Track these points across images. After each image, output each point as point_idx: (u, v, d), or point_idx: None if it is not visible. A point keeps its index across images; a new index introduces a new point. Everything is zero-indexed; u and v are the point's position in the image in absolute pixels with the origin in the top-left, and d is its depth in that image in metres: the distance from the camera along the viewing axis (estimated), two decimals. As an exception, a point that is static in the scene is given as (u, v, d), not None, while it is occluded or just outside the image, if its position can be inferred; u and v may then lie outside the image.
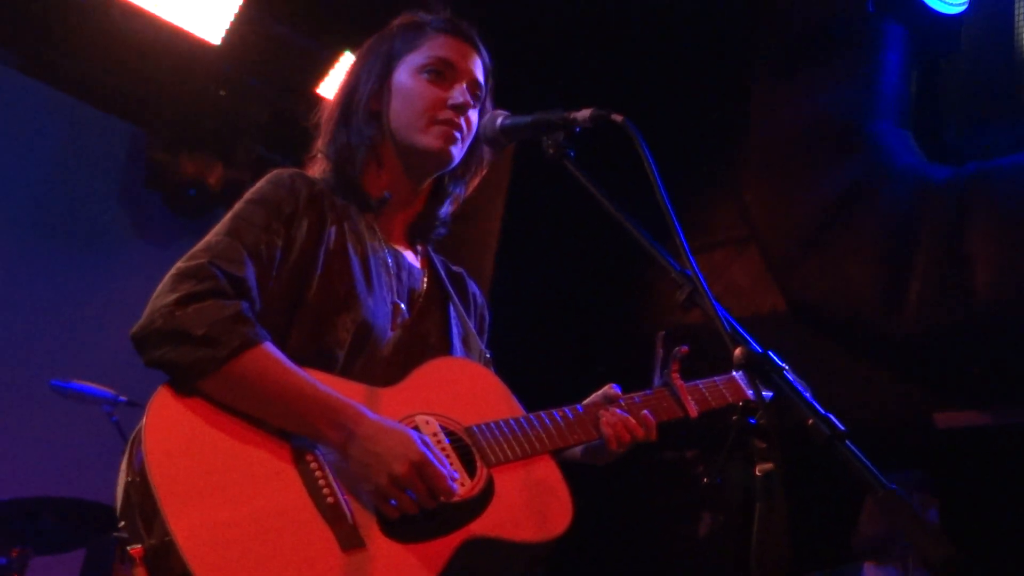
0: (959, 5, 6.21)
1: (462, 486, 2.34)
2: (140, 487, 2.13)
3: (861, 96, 6.04)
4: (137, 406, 5.05)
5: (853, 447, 1.70)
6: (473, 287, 2.97)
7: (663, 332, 2.79)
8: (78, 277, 6.65)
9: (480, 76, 2.79)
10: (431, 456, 2.29)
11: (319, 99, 6.46)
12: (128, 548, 2.16)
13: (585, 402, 2.73)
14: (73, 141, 6.73)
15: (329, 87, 6.52)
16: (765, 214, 6.19)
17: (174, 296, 2.27)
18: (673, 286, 2.10)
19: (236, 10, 6.12)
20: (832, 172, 5.96)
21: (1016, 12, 6.30)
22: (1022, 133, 5.85)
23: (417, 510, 2.26)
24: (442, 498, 2.28)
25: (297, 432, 2.28)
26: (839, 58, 6.16)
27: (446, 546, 2.26)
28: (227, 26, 6.15)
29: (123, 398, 5.13)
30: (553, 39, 6.75)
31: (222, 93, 6.54)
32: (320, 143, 2.78)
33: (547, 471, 2.50)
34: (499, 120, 2.60)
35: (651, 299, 7.25)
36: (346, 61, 6.46)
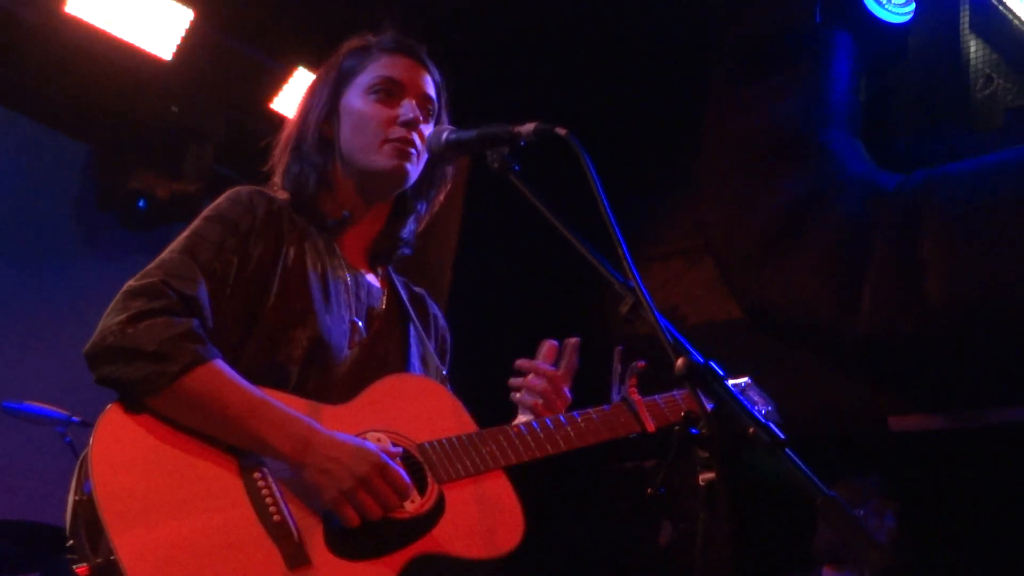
0: (905, 14, 6.30)
1: (412, 503, 2.33)
2: (87, 505, 2.13)
3: (812, 105, 6.11)
4: (91, 426, 5.01)
5: (793, 455, 1.72)
6: (434, 309, 2.96)
7: (620, 347, 2.78)
8: (30, 295, 6.58)
9: (431, 91, 2.78)
10: (389, 460, 2.30)
11: (272, 114, 6.49)
12: (75, 567, 2.15)
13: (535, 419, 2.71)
14: (24, 159, 6.68)
15: (283, 103, 6.51)
16: (720, 224, 6.25)
17: (126, 314, 2.27)
18: (617, 299, 2.11)
19: (187, 25, 6.11)
20: (785, 181, 6.02)
21: (960, 20, 6.40)
22: (970, 140, 5.94)
23: (381, 513, 2.26)
24: (403, 501, 2.29)
25: (248, 448, 2.28)
26: (790, 68, 6.24)
27: (395, 563, 2.26)
28: (178, 41, 6.13)
29: (76, 418, 5.09)
30: (505, 51, 6.77)
31: (174, 109, 6.51)
32: (276, 174, 2.77)
33: (499, 487, 2.50)
34: (444, 135, 2.59)
35: (607, 311, 7.28)
36: (300, 77, 6.46)
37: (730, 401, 1.81)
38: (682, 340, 1.93)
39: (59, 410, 5.13)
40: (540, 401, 2.69)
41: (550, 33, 6.77)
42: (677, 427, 1.83)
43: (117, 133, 6.60)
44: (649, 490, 1.92)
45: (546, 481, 2.78)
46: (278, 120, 6.46)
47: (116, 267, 6.73)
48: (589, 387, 2.99)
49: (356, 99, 2.73)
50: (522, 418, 2.79)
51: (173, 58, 6.14)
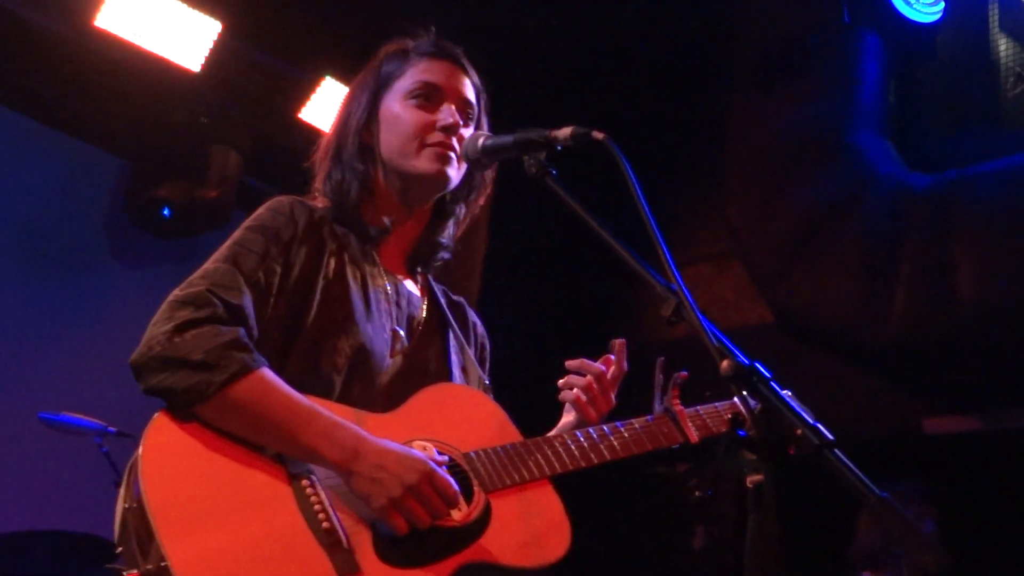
0: (934, 14, 6.28)
1: (459, 512, 2.35)
2: (137, 513, 2.15)
3: (840, 107, 6.11)
4: (127, 437, 5.06)
5: (842, 456, 1.72)
6: (474, 317, 2.98)
7: (662, 358, 2.79)
8: (65, 307, 6.64)
9: (470, 95, 2.80)
10: (438, 467, 2.32)
11: (300, 125, 6.53)
12: (125, 573, 2.17)
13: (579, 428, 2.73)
14: (56, 173, 6.73)
15: (310, 113, 6.55)
16: (749, 227, 6.24)
17: (172, 324, 2.29)
18: (659, 301, 2.12)
19: (215, 37, 6.14)
20: (814, 184, 6.02)
21: (990, 18, 6.38)
22: (1001, 139, 5.91)
23: (430, 521, 2.28)
24: (451, 509, 2.31)
25: (296, 456, 2.30)
26: (816, 70, 6.23)
27: (443, 571, 2.26)
28: (206, 53, 6.17)
29: (113, 429, 5.12)
30: (530, 55, 6.78)
31: (203, 120, 6.55)
32: (316, 182, 2.79)
33: (545, 496, 2.51)
34: (480, 140, 2.60)
35: (638, 316, 7.28)
36: (327, 87, 6.49)
37: (777, 402, 1.81)
38: (726, 342, 1.94)
39: (95, 420, 5.17)
40: (584, 397, 2.70)
41: (574, 38, 6.78)
42: (724, 429, 1.83)
43: (147, 145, 6.64)
44: (697, 493, 1.92)
45: (579, 485, 2.79)
46: (306, 130, 6.55)
47: (148, 277, 6.81)
48: (622, 390, 3.00)
49: (395, 104, 2.75)
50: (567, 418, 2.82)
51: (201, 70, 6.18)
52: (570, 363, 2.78)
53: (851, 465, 1.72)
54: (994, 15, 6.39)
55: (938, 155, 6.12)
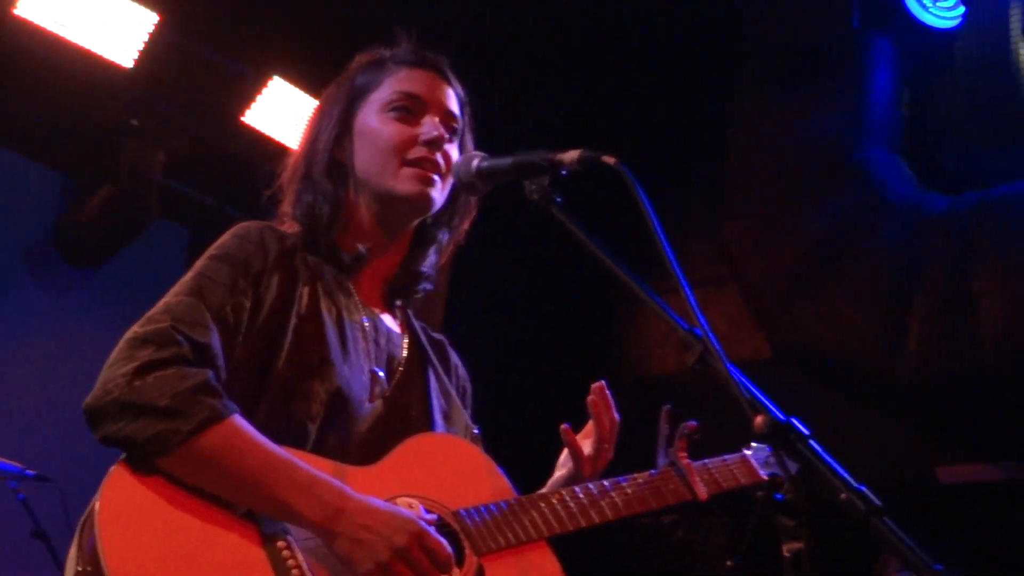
0: (952, 19, 6.37)
1: None
2: None
3: (849, 120, 6.18)
4: (48, 481, 5.02)
5: (892, 524, 1.76)
6: (455, 357, 2.98)
7: (668, 406, 2.83)
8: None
9: (454, 107, 2.81)
10: (429, 527, 2.32)
11: (244, 129, 6.52)
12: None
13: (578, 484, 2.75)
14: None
15: (256, 116, 6.53)
16: (747, 252, 6.30)
17: (132, 364, 2.27)
18: (670, 343, 2.15)
19: (151, 29, 6.11)
20: (820, 205, 6.09)
21: (1011, 24, 6.48)
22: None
23: None
24: (443, 574, 2.31)
25: (269, 514, 2.29)
26: (824, 80, 6.30)
27: None
28: (140, 47, 6.14)
29: (31, 472, 5.07)
30: (521, 69, 6.81)
31: (134, 122, 6.51)
32: (285, 204, 2.78)
33: (542, 559, 2.53)
34: (475, 162, 2.59)
35: (617, 348, 7.32)
36: (275, 87, 6.49)
37: (818, 463, 1.84)
38: (759, 394, 1.97)
39: (11, 463, 5.11)
40: (591, 451, 2.74)
41: (564, 48, 6.82)
42: (760, 492, 1.86)
43: (70, 149, 6.59)
44: (729, 563, 1.95)
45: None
46: (250, 135, 6.55)
47: (65, 301, 6.73)
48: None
49: (372, 117, 2.75)
50: (559, 472, 2.84)
51: (135, 65, 6.14)
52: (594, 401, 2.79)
53: (902, 534, 1.76)
54: (1016, 20, 6.49)
55: (956, 174, 6.20)
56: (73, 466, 5.38)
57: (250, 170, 6.85)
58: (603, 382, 2.85)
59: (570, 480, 2.80)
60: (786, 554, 1.85)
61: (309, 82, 6.48)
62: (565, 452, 2.85)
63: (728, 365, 2.03)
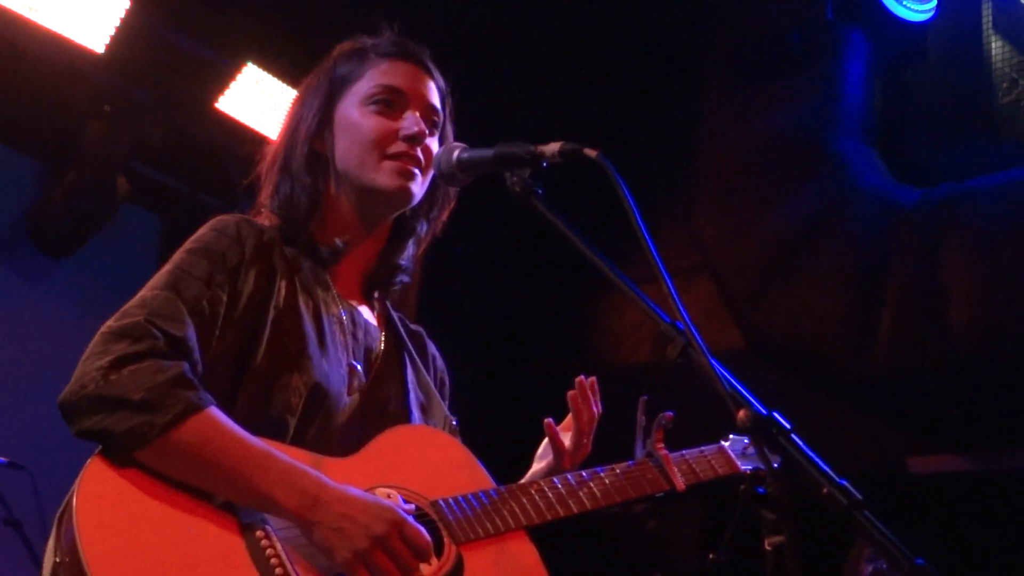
0: (925, 12, 6.40)
1: (428, 567, 2.36)
2: (70, 569, 2.14)
3: (822, 112, 6.21)
4: (18, 469, 5.00)
5: (872, 517, 1.77)
6: (433, 349, 3.00)
7: (645, 396, 2.85)
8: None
9: (435, 101, 2.82)
10: (407, 516, 2.33)
11: (217, 115, 6.49)
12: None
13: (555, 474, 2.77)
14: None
15: (229, 103, 6.50)
16: (719, 242, 6.32)
17: (107, 358, 2.27)
18: (638, 333, 2.16)
19: (122, 14, 6.06)
20: (792, 196, 6.11)
21: (984, 18, 6.52)
22: (998, 150, 6.05)
23: None
24: (421, 563, 2.32)
25: (249, 504, 2.30)
26: (796, 71, 6.33)
27: None
28: (112, 32, 6.09)
29: (3, 459, 5.05)
30: (483, 57, 6.80)
31: (106, 108, 6.47)
32: (263, 195, 2.79)
33: (521, 549, 2.55)
34: (455, 153, 2.60)
35: (589, 336, 7.34)
36: (249, 74, 6.45)
37: (800, 457, 1.86)
38: (741, 388, 1.98)
39: (-20, 450, 5.10)
40: (570, 444, 2.79)
41: (530, 31, 6.82)
42: (743, 485, 1.87)
43: (40, 135, 6.54)
44: (712, 555, 1.96)
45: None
46: (223, 122, 6.52)
47: (37, 288, 6.68)
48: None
49: (352, 110, 2.76)
50: (538, 465, 2.87)
51: (106, 51, 6.09)
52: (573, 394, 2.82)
53: (883, 528, 1.77)
54: (988, 14, 6.53)
55: (928, 166, 6.24)
56: (45, 454, 5.38)
57: (223, 157, 6.89)
58: (594, 378, 2.89)
59: (550, 472, 2.85)
60: (768, 547, 1.86)
61: (283, 69, 6.46)
62: (544, 444, 2.88)
63: (710, 359, 2.04)
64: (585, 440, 2.85)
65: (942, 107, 6.39)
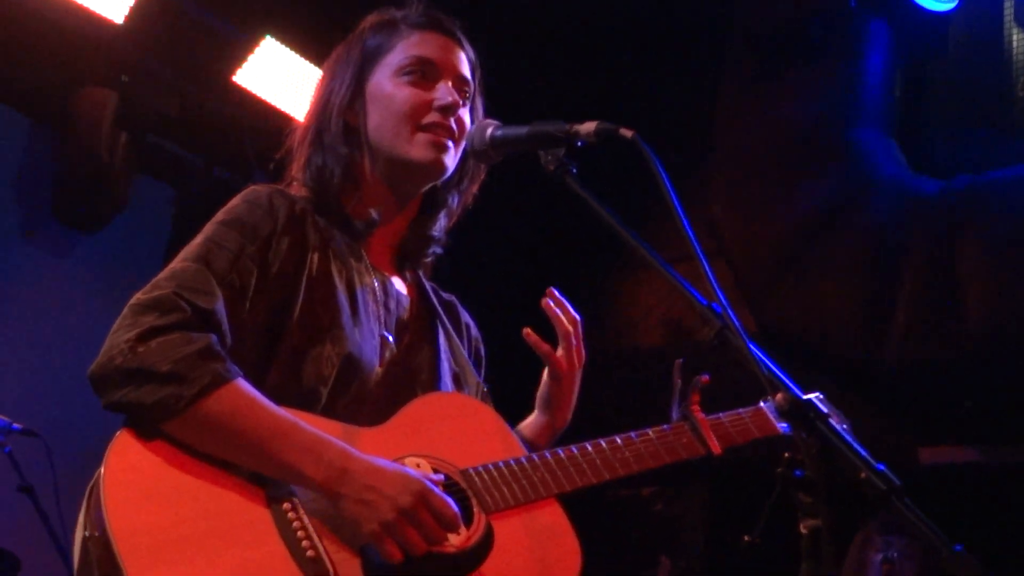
0: (947, 2, 6.38)
1: (457, 536, 2.36)
2: (100, 542, 2.14)
3: (841, 101, 6.19)
4: (34, 436, 5.00)
5: (911, 504, 1.77)
6: (467, 317, 3.01)
7: (681, 359, 2.83)
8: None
9: (467, 72, 2.82)
10: (435, 487, 2.33)
11: (235, 89, 6.47)
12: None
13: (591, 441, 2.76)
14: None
15: (247, 76, 6.48)
16: (735, 228, 6.31)
17: (135, 331, 2.27)
18: (656, 316, 2.15)
19: (142, -15, 6.06)
20: (810, 184, 6.10)
21: (1005, 10, 6.50)
22: (1016, 144, 6.03)
23: (426, 548, 2.29)
24: (449, 533, 2.32)
25: (275, 475, 2.30)
26: (817, 59, 6.30)
27: None
28: (131, 3, 6.08)
29: (17, 426, 5.04)
30: (501, 40, 6.78)
31: (125, 79, 6.45)
32: (294, 168, 2.78)
33: (552, 517, 2.53)
34: (489, 131, 2.60)
35: (604, 321, 7.34)
36: (268, 47, 6.43)
37: (837, 442, 1.85)
38: (779, 372, 1.98)
39: (-3, 416, 5.09)
40: (564, 353, 2.81)
41: (551, 18, 6.79)
42: (780, 468, 1.87)
43: (57, 106, 6.52)
44: (746, 538, 1.96)
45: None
46: (241, 95, 6.50)
47: (57, 262, 6.68)
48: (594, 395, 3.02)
49: (385, 82, 2.75)
50: (540, 417, 2.89)
51: (125, 22, 6.09)
52: (548, 303, 2.84)
53: (921, 514, 1.77)
54: (1009, 6, 6.51)
55: (948, 158, 6.22)
56: (60, 422, 5.40)
57: (240, 131, 6.87)
58: (552, 288, 2.90)
59: (552, 394, 2.86)
60: (804, 531, 1.85)
61: (302, 43, 6.44)
62: (543, 385, 2.86)
63: (748, 341, 2.04)
64: (576, 343, 2.84)
65: (962, 99, 6.37)
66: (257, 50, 6.47)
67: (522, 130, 2.53)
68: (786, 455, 1.88)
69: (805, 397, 1.92)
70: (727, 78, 6.59)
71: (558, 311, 2.83)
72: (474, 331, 3.02)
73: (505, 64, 6.58)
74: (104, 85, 6.40)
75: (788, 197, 6.14)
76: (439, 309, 2.88)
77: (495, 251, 7.20)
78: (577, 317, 2.87)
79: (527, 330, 2.79)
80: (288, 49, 6.48)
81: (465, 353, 2.89)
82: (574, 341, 2.84)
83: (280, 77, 6.52)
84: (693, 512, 6.69)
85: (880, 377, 5.86)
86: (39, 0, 5.96)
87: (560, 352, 2.82)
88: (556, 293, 2.85)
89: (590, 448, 2.68)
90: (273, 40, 6.46)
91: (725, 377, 2.65)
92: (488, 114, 2.85)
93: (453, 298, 3.01)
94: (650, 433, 2.77)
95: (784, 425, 2.88)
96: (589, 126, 2.43)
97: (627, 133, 2.38)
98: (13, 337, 6.00)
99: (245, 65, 6.49)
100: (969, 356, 5.54)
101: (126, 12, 6.08)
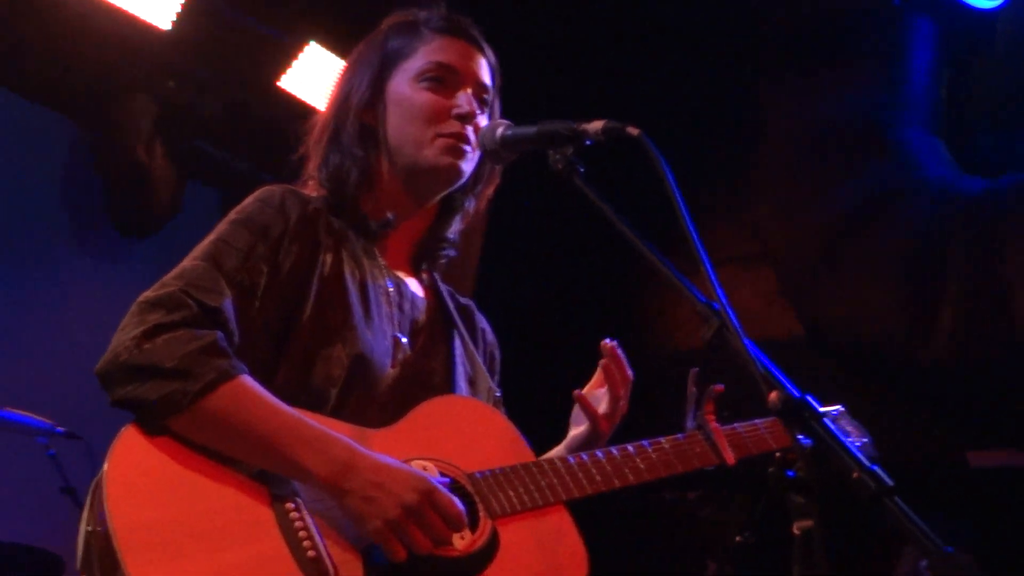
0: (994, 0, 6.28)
1: (462, 539, 2.35)
2: (101, 537, 2.16)
3: (886, 99, 6.12)
4: (77, 439, 5.06)
5: (902, 504, 1.73)
6: (483, 322, 3.00)
7: (696, 368, 2.80)
8: (13, 294, 6.58)
9: (487, 79, 2.82)
10: (441, 486, 2.32)
11: (279, 94, 6.52)
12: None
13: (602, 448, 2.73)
14: (4, 138, 6.67)
15: (291, 81, 6.53)
16: (778, 229, 6.25)
17: (141, 328, 2.30)
18: (696, 319, 2.13)
19: (188, -8, 6.12)
20: (853, 182, 6.03)
21: (1054, 6, 6.39)
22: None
23: (431, 547, 2.28)
24: (454, 534, 2.31)
25: (279, 471, 2.31)
26: (861, 56, 6.23)
27: None
28: (178, 10, 6.15)
29: (61, 429, 5.11)
30: (543, 40, 6.77)
31: (171, 84, 6.53)
32: (311, 166, 2.79)
33: (559, 523, 2.51)
34: (499, 130, 2.60)
35: (645, 323, 7.30)
36: (311, 53, 6.48)
37: (831, 442, 1.82)
38: (775, 370, 1.95)
39: (42, 419, 5.15)
40: (607, 409, 2.75)
41: (589, 16, 6.77)
42: (771, 468, 1.84)
43: (106, 112, 6.61)
44: (738, 538, 1.93)
45: (581, 509, 2.80)
46: (285, 100, 6.55)
47: (108, 266, 6.76)
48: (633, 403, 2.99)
49: (405, 86, 2.76)
50: (575, 430, 2.83)
51: (172, 28, 6.16)
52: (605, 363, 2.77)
53: (912, 515, 1.73)
54: (1059, 3, 6.40)
55: (994, 157, 6.13)
56: (102, 424, 5.44)
57: (285, 136, 6.91)
58: (615, 342, 2.83)
59: (588, 437, 2.79)
60: (796, 532, 1.82)
61: (345, 48, 6.41)
62: (576, 409, 2.83)
63: (745, 340, 2.01)
64: (622, 403, 2.80)
65: (1008, 97, 6.26)
66: (301, 55, 6.53)
67: (531, 129, 2.54)
68: (777, 455, 1.85)
69: (800, 396, 1.88)
70: (768, 76, 6.52)
71: (615, 370, 2.78)
72: (490, 336, 3.01)
73: (535, 66, 6.62)
74: (150, 91, 6.48)
75: (830, 197, 6.07)
76: (455, 313, 2.87)
77: (542, 247, 7.19)
78: (631, 375, 2.82)
79: (577, 392, 2.77)
80: (331, 53, 6.52)
81: (480, 358, 2.87)
82: (621, 403, 2.80)
83: (325, 81, 6.56)
84: (738, 516, 6.63)
85: (926, 378, 5.77)
86: (87, 7, 6.03)
87: (604, 409, 2.78)
88: (616, 349, 2.80)
89: (601, 455, 2.65)
90: (317, 45, 6.51)
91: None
92: (523, 116, 2.84)
93: (470, 303, 3.01)
94: (663, 442, 2.74)
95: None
96: (596, 124, 2.42)
97: (633, 131, 2.35)
98: (61, 341, 6.08)
99: (290, 70, 6.55)
100: (1017, 356, 5.44)
101: (172, 18, 6.15)
